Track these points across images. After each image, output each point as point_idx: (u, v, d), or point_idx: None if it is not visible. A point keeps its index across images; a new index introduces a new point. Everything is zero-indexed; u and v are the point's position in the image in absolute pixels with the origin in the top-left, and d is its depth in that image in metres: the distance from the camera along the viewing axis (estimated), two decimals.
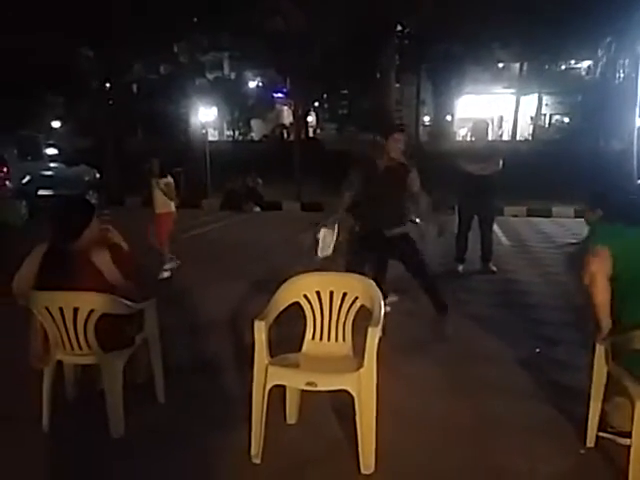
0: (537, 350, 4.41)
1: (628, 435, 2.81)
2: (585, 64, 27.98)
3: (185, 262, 7.24)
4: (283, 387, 3.04)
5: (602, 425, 3.04)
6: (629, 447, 2.69)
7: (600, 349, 2.94)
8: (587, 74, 26.54)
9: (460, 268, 6.94)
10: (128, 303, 3.11)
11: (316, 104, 32.27)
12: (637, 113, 14.22)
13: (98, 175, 14.42)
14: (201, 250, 8.63)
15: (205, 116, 17.37)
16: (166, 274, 6.79)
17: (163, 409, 3.43)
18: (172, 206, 6.97)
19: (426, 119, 32.39)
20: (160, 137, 22.49)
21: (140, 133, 26.58)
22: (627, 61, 18.40)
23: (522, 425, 3.30)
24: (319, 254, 4.71)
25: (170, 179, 7.00)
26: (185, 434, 3.15)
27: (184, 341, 4.55)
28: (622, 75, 19.46)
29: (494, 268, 6.90)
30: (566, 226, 11.19)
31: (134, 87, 25.60)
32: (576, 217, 12.59)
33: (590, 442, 3.03)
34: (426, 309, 5.35)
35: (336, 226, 4.74)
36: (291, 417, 3.23)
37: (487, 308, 5.52)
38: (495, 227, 7.38)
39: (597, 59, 20.99)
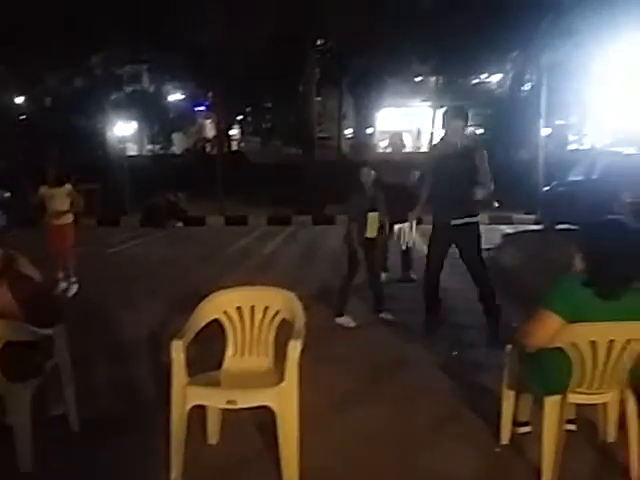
0: (454, 353, 4.56)
1: (524, 424, 3.15)
2: (497, 78, 29.45)
3: (103, 281, 6.97)
4: (204, 406, 2.97)
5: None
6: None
7: (512, 350, 3.08)
8: (498, 87, 27.93)
9: (383, 276, 7.08)
10: (33, 329, 2.95)
11: (240, 117, 32.14)
12: (541, 125, 15.13)
13: (8, 194, 13.72)
14: (120, 268, 8.35)
15: (123, 130, 16.93)
16: (75, 288, 6.52)
17: (77, 438, 3.27)
18: (71, 217, 6.67)
19: (348, 132, 32.99)
20: (77, 153, 21.60)
21: (55, 149, 25.41)
22: (534, 74, 19.52)
23: (441, 427, 3.39)
24: (402, 246, 5.56)
25: (70, 187, 6.68)
26: (101, 463, 3.01)
27: (100, 365, 4.36)
28: (529, 88, 20.63)
29: (414, 276, 7.07)
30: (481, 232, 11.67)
31: (47, 101, 24.51)
32: (490, 224, 13.20)
33: (504, 439, 3.16)
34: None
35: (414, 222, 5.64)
36: (212, 437, 3.16)
37: (407, 314, 5.62)
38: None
39: (506, 73, 22.15)
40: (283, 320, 3.18)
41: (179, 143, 32.29)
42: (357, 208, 5.40)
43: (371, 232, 5.41)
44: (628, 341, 2.58)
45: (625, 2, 13.46)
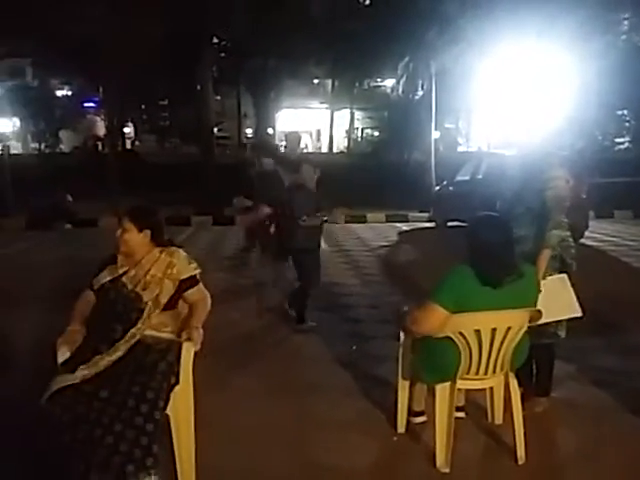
0: (353, 347, 4.65)
1: (420, 414, 3.25)
2: (391, 82, 30.56)
3: None
4: None
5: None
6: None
7: (405, 341, 3.18)
8: (392, 91, 28.99)
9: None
10: None
11: (135, 115, 30.99)
12: (433, 127, 15.86)
13: None
14: (4, 273, 7.74)
15: (4, 127, 15.74)
16: None
17: None
18: None
19: (249, 131, 32.82)
20: None
21: None
22: (425, 80, 20.39)
23: (340, 420, 3.43)
24: None
25: None
26: None
27: None
28: (421, 93, 21.52)
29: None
30: (378, 230, 12.06)
31: None
32: (387, 222, 13.66)
33: (401, 428, 3.25)
34: (252, 319, 5.40)
35: None
36: None
37: (309, 312, 5.67)
38: None
39: (399, 77, 22.99)
40: None
41: (68, 141, 30.58)
42: (301, 209, 4.85)
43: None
44: (508, 328, 2.75)
45: (506, 13, 14.39)
